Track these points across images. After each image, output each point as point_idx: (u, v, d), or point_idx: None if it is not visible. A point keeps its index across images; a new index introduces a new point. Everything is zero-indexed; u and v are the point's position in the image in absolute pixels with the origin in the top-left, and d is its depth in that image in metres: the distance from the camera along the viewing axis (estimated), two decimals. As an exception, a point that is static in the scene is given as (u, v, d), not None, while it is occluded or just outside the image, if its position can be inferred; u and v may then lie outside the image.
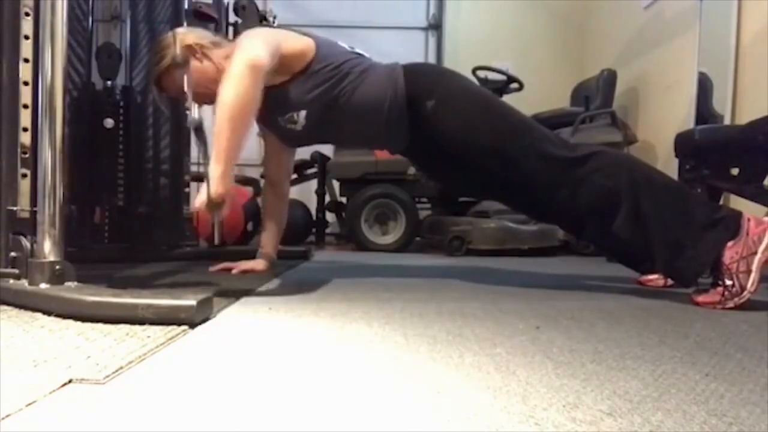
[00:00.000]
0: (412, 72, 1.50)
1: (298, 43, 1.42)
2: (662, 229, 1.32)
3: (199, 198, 1.18)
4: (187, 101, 1.51)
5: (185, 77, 1.37)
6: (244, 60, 1.24)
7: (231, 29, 2.38)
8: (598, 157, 1.41)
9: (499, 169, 1.46)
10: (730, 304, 1.21)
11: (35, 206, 1.13)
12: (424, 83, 1.49)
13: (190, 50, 1.42)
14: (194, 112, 1.39)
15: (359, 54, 1.54)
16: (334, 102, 1.45)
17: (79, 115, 2.07)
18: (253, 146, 3.40)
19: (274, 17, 2.52)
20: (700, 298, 1.27)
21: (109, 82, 2.16)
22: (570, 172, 1.40)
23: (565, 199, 1.41)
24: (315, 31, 1.54)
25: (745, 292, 1.21)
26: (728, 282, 1.22)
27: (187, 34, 1.45)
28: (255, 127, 1.78)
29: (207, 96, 1.49)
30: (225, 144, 1.19)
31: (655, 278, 1.59)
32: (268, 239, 1.74)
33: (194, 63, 1.42)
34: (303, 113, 1.44)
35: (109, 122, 2.11)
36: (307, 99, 1.43)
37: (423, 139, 1.51)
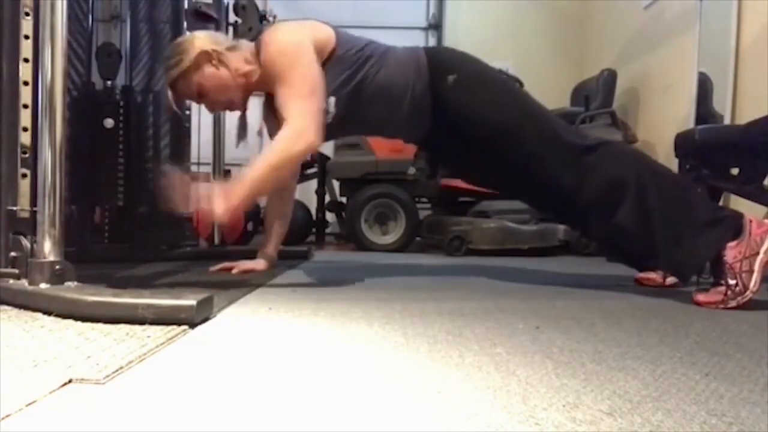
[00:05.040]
0: (435, 51, 1.58)
1: (323, 33, 1.46)
2: (665, 221, 1.32)
3: (204, 196, 1.24)
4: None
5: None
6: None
7: (231, 29, 2.37)
8: (608, 147, 1.45)
9: (510, 151, 1.48)
10: (733, 304, 1.22)
11: (35, 206, 1.13)
12: (445, 61, 1.53)
13: (207, 56, 1.41)
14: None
15: (373, 40, 1.57)
16: (360, 85, 1.46)
17: (79, 115, 2.07)
18: (254, 146, 3.39)
19: (274, 17, 2.50)
20: (702, 298, 1.27)
21: (109, 82, 2.16)
22: (580, 158, 1.42)
23: (571, 186, 1.42)
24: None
25: (748, 292, 1.22)
26: (731, 281, 1.23)
27: (203, 39, 1.44)
28: (254, 126, 1.78)
29: (223, 102, 1.49)
30: (256, 183, 1.28)
31: (652, 277, 1.59)
32: (270, 239, 1.74)
33: (210, 69, 1.42)
34: (332, 100, 1.45)
35: (109, 122, 2.11)
36: (336, 84, 1.44)
37: (442, 120, 1.52)
